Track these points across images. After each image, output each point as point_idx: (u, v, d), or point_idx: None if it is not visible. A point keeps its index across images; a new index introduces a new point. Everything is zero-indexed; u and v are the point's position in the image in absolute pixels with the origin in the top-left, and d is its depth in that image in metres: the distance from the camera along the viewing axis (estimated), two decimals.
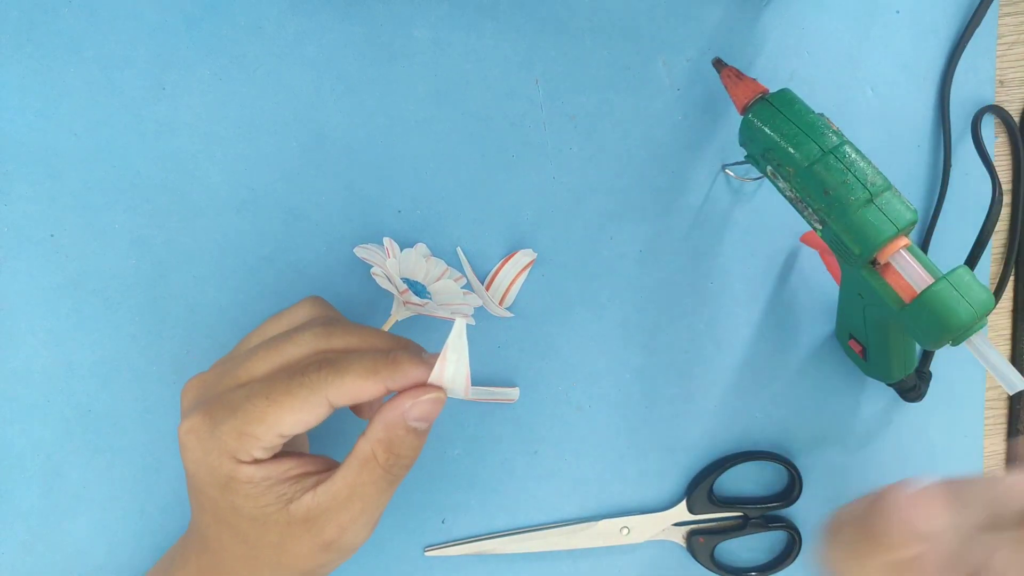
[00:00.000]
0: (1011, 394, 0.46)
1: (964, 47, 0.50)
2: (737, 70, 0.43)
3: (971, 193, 0.51)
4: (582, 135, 0.48)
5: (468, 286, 0.47)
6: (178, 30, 0.44)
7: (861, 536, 0.37)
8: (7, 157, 0.44)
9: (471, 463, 0.48)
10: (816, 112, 0.41)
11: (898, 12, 0.50)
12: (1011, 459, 0.53)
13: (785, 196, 0.42)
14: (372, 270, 0.44)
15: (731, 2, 0.48)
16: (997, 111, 0.50)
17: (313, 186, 0.46)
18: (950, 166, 0.50)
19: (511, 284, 0.47)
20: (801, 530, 0.50)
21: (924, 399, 0.50)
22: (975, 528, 0.34)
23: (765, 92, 0.42)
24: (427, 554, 0.48)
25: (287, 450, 0.34)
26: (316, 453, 0.37)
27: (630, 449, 0.49)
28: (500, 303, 0.47)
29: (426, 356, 0.34)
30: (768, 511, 0.50)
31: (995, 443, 0.53)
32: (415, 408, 0.33)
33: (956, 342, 0.38)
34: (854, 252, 0.39)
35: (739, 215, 0.49)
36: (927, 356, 0.51)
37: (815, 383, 0.51)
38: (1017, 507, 0.35)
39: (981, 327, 0.38)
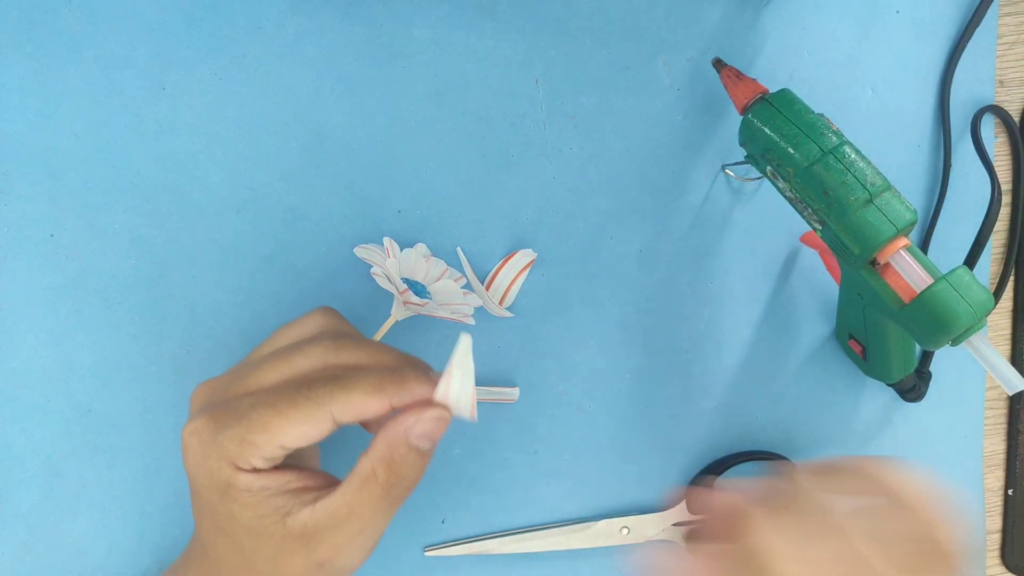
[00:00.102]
0: (1011, 394, 0.46)
1: (964, 47, 0.50)
2: (737, 70, 0.43)
3: (971, 193, 0.51)
4: (582, 135, 0.48)
5: (468, 286, 0.47)
6: (178, 30, 0.44)
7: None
8: (7, 157, 0.44)
9: (471, 463, 0.48)
10: (816, 112, 0.41)
11: (898, 12, 0.50)
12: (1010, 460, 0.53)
13: (785, 196, 0.42)
14: (372, 270, 0.44)
15: (731, 2, 0.48)
16: (997, 111, 0.50)
17: (313, 186, 0.46)
18: (950, 166, 0.50)
19: (511, 284, 0.47)
20: None
21: (924, 399, 0.50)
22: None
23: (765, 92, 0.42)
24: (427, 554, 0.48)
25: (293, 463, 0.34)
26: (327, 469, 0.36)
27: (630, 449, 0.49)
28: (500, 303, 0.47)
29: (433, 374, 0.33)
30: None
31: (995, 443, 0.53)
32: (418, 425, 0.32)
33: (956, 342, 0.38)
34: (854, 252, 0.39)
35: (739, 215, 0.49)
36: (927, 356, 0.51)
37: (815, 383, 0.51)
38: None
39: (981, 327, 0.38)
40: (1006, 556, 0.53)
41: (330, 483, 0.34)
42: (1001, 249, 0.52)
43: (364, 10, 0.46)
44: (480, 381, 0.48)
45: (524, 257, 0.47)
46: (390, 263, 0.44)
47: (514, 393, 0.48)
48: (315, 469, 0.36)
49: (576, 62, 0.47)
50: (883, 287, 0.40)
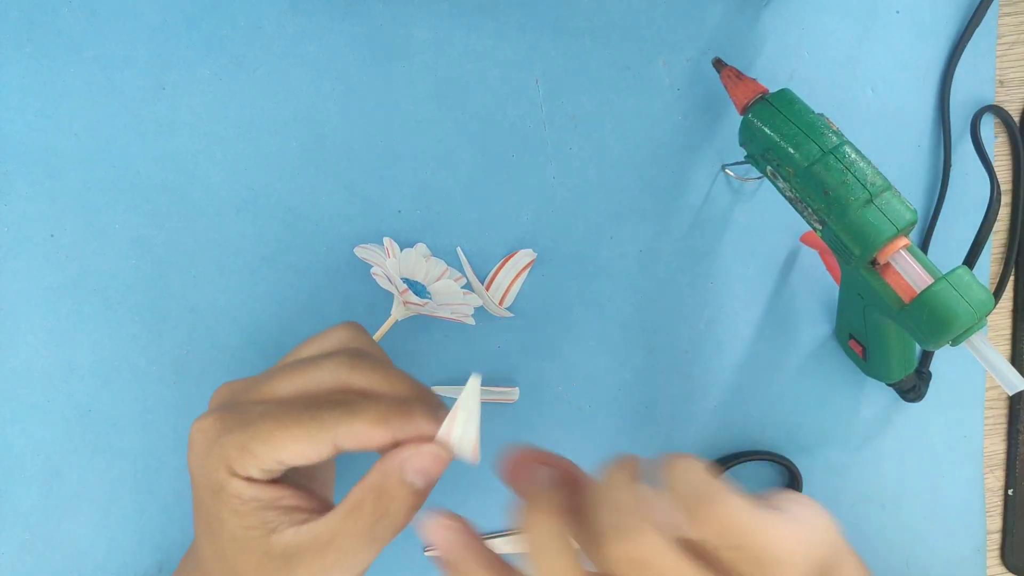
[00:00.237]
0: (1011, 394, 0.46)
1: (964, 47, 0.50)
2: (737, 70, 0.43)
3: (971, 193, 0.51)
4: (582, 135, 0.48)
5: (468, 286, 0.47)
6: (178, 30, 0.44)
7: None
8: (7, 157, 0.44)
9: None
10: (816, 112, 0.41)
11: (898, 12, 0.50)
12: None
13: (785, 196, 0.42)
14: (372, 270, 0.44)
15: (731, 2, 0.48)
16: (997, 111, 0.50)
17: (313, 186, 0.46)
18: (950, 166, 0.50)
19: (511, 284, 0.47)
20: None
21: (924, 399, 0.50)
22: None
23: (765, 92, 0.42)
24: (427, 554, 0.48)
25: (294, 481, 0.34)
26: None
27: (630, 449, 0.49)
28: (500, 303, 0.47)
29: (441, 412, 0.33)
30: None
31: (995, 443, 0.53)
32: (414, 459, 0.31)
33: (956, 342, 0.38)
34: (854, 252, 0.39)
35: (739, 215, 0.49)
36: (927, 356, 0.51)
37: (815, 383, 0.51)
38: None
39: (981, 327, 0.38)
40: (1006, 556, 0.53)
41: (325, 509, 0.33)
42: (1001, 249, 0.52)
43: (364, 10, 0.46)
44: (480, 381, 0.48)
45: (524, 257, 0.47)
46: (390, 263, 0.44)
47: (514, 393, 0.48)
48: (319, 491, 0.35)
49: (576, 62, 0.47)
50: (883, 287, 0.40)
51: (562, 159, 0.48)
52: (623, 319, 0.49)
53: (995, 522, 0.53)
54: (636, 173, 0.48)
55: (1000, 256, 0.52)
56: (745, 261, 0.49)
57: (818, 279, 0.50)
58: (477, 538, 0.32)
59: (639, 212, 0.48)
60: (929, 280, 0.38)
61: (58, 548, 0.45)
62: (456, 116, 0.47)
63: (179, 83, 0.45)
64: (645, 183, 0.48)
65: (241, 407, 0.33)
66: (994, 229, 0.51)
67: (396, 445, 0.32)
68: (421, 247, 0.46)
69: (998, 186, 0.48)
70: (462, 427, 0.31)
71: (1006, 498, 0.53)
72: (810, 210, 0.40)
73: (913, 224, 0.39)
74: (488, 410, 0.48)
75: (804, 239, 0.49)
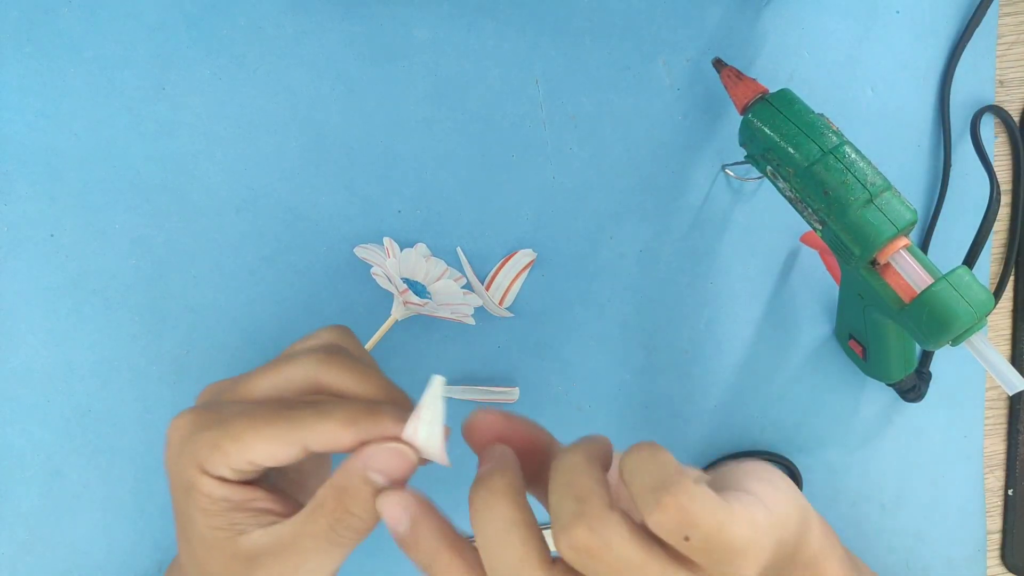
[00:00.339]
0: (1011, 394, 0.46)
1: (964, 47, 0.50)
2: (737, 70, 0.43)
3: (971, 193, 0.51)
4: (582, 135, 0.48)
5: (468, 286, 0.47)
6: (178, 30, 0.44)
7: None
8: (7, 157, 0.44)
9: (471, 463, 0.48)
10: (816, 112, 0.41)
11: (898, 12, 0.50)
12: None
13: (785, 196, 0.42)
14: (372, 270, 0.44)
15: (731, 2, 0.48)
16: (997, 111, 0.50)
17: (313, 186, 0.46)
18: (950, 166, 0.50)
19: (511, 284, 0.47)
20: None
21: (924, 399, 0.50)
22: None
23: (765, 92, 0.42)
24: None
25: (275, 485, 0.33)
26: None
27: None
28: (500, 303, 0.47)
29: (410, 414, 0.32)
30: None
31: (995, 443, 0.53)
32: (376, 456, 0.30)
33: (956, 342, 0.38)
34: (854, 252, 0.39)
35: (739, 215, 0.49)
36: (927, 356, 0.51)
37: (815, 383, 0.51)
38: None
39: (981, 327, 0.38)
40: (1006, 556, 0.53)
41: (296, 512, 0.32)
42: (1001, 249, 0.52)
43: (364, 10, 0.46)
44: (480, 381, 0.48)
45: (524, 257, 0.47)
46: (390, 263, 0.44)
47: (514, 393, 0.48)
48: (305, 497, 0.34)
49: (576, 62, 0.47)
50: (883, 287, 0.40)
51: (562, 159, 0.48)
52: (623, 319, 0.49)
53: (995, 522, 0.53)
54: (636, 173, 0.48)
55: (1000, 256, 0.52)
56: (745, 261, 0.49)
57: (818, 279, 0.50)
58: (435, 514, 0.31)
59: (639, 212, 0.48)
60: (929, 280, 0.38)
61: (58, 548, 0.45)
62: (456, 116, 0.47)
63: (179, 83, 0.45)
64: (645, 183, 0.48)
65: (218, 406, 0.32)
66: (994, 229, 0.51)
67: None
68: (421, 247, 0.46)
69: (998, 186, 0.48)
70: (427, 428, 0.30)
71: (1006, 498, 0.53)
72: (810, 210, 0.40)
73: (913, 224, 0.39)
74: None
75: (804, 239, 0.49)
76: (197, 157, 0.45)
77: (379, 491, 0.30)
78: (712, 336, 0.50)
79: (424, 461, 0.32)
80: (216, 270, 0.45)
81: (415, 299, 0.43)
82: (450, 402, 0.47)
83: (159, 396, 0.45)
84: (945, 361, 0.51)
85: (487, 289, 0.47)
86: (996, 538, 0.53)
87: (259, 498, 0.32)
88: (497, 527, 0.29)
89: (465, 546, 0.31)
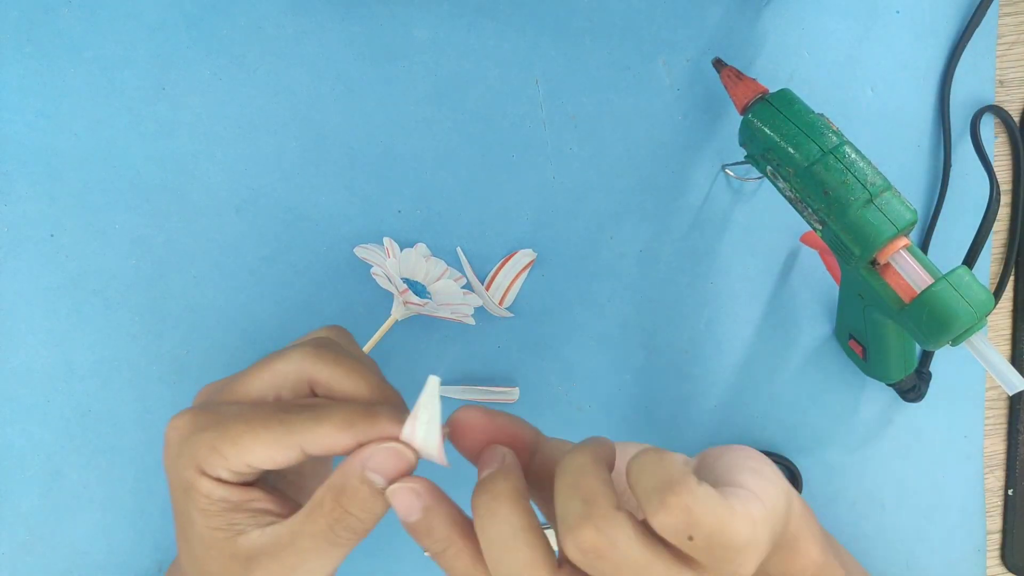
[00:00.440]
0: (1011, 394, 0.46)
1: (964, 47, 0.50)
2: (737, 70, 0.43)
3: (971, 193, 0.51)
4: (582, 135, 0.48)
5: (468, 286, 0.47)
6: (178, 30, 0.44)
7: None
8: (7, 157, 0.44)
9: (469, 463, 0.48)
10: (816, 112, 0.41)
11: (898, 12, 0.50)
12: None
13: (785, 196, 0.42)
14: (372, 270, 0.44)
15: (731, 2, 0.48)
16: (997, 111, 0.50)
17: (313, 186, 0.46)
18: (950, 166, 0.50)
19: (511, 284, 0.47)
20: None
21: (924, 399, 0.50)
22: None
23: (765, 92, 0.42)
24: (427, 554, 0.48)
25: (274, 485, 0.33)
26: None
27: None
28: (500, 303, 0.47)
29: (407, 415, 0.31)
30: None
31: (995, 443, 0.53)
32: (374, 456, 0.30)
33: (956, 342, 0.38)
34: (854, 252, 0.39)
35: (739, 215, 0.49)
36: (927, 356, 0.51)
37: (815, 383, 0.51)
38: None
39: (981, 327, 0.38)
40: (1006, 556, 0.53)
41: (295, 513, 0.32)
42: (1001, 249, 0.52)
43: (364, 10, 0.46)
44: (480, 381, 0.48)
45: (524, 257, 0.47)
46: (390, 263, 0.44)
47: (514, 393, 0.48)
48: (304, 498, 0.34)
49: (576, 62, 0.47)
50: (883, 287, 0.40)
51: (562, 159, 0.48)
52: (623, 319, 0.49)
53: (995, 522, 0.53)
54: (636, 173, 0.48)
55: (1000, 256, 0.52)
56: (745, 261, 0.49)
57: (818, 279, 0.50)
58: (446, 500, 0.31)
59: (639, 212, 0.48)
60: (929, 280, 0.38)
61: (58, 548, 0.45)
62: (456, 116, 0.47)
63: (179, 83, 0.45)
64: (645, 183, 0.48)
65: (215, 407, 0.32)
66: (994, 229, 0.51)
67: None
68: (421, 247, 0.46)
69: (998, 186, 0.48)
70: (424, 428, 0.30)
71: (1006, 498, 0.53)
72: (810, 210, 0.40)
73: (913, 224, 0.39)
74: None
75: (804, 239, 0.49)
76: (197, 157, 0.45)
77: (378, 491, 0.30)
78: (712, 336, 0.50)
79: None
80: (216, 270, 0.45)
81: (415, 299, 0.43)
82: (450, 402, 0.47)
83: (159, 396, 0.45)
84: (945, 361, 0.51)
85: (487, 289, 0.47)
86: (996, 538, 0.53)
87: (258, 499, 0.32)
88: (503, 532, 0.29)
89: (472, 528, 0.31)
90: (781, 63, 0.49)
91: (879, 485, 0.52)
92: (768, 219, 0.49)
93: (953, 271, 0.38)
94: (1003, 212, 0.51)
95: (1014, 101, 0.51)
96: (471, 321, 0.46)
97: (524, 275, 0.47)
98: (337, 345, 0.35)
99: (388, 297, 0.46)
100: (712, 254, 0.49)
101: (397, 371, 0.46)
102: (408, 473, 0.31)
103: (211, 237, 0.45)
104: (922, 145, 0.50)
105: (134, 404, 0.45)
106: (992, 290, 0.52)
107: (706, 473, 0.34)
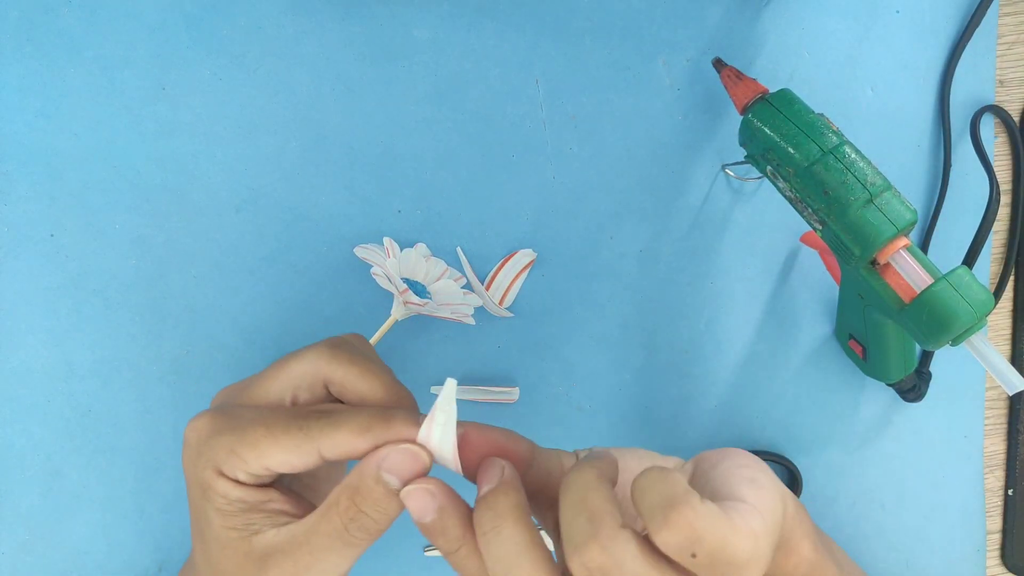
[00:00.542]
0: (1011, 394, 0.46)
1: (964, 47, 0.50)
2: (737, 70, 0.43)
3: (971, 193, 0.51)
4: (582, 135, 0.48)
5: (468, 286, 0.47)
6: (178, 30, 0.44)
7: None
8: (7, 157, 0.44)
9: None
10: (816, 112, 0.41)
11: (898, 12, 0.50)
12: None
13: (785, 196, 0.42)
14: (372, 270, 0.44)
15: (731, 2, 0.48)
16: (997, 111, 0.50)
17: (313, 186, 0.46)
18: (950, 166, 0.50)
19: (511, 284, 0.47)
20: None
21: (924, 399, 0.50)
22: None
23: (765, 92, 0.42)
24: (427, 554, 0.48)
25: (289, 485, 0.34)
26: None
27: None
28: (500, 303, 0.47)
29: (421, 419, 0.32)
30: None
31: (995, 443, 0.53)
32: (389, 457, 0.31)
33: (956, 342, 0.38)
34: (854, 252, 0.39)
35: (739, 215, 0.49)
36: (927, 356, 0.51)
37: (815, 383, 0.51)
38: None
39: (981, 327, 0.38)
40: (1006, 556, 0.53)
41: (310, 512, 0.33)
42: (1001, 249, 0.52)
43: (364, 10, 0.46)
44: (480, 381, 0.48)
45: (524, 257, 0.47)
46: (390, 263, 0.44)
47: (514, 393, 0.48)
48: (319, 499, 0.35)
49: (576, 62, 0.47)
50: (883, 287, 0.40)
51: (562, 159, 0.48)
52: (623, 319, 0.49)
53: (995, 522, 0.53)
54: (636, 173, 0.48)
55: (1000, 256, 0.52)
56: (745, 261, 0.49)
57: (818, 279, 0.50)
58: (459, 500, 0.31)
59: (639, 212, 0.48)
60: (929, 280, 0.38)
61: (58, 548, 0.45)
62: (456, 116, 0.47)
63: (179, 83, 0.45)
64: (645, 183, 0.48)
65: (233, 410, 0.33)
66: (994, 229, 0.51)
67: None
68: (421, 247, 0.46)
69: (997, 186, 0.48)
70: (440, 431, 0.31)
71: (1006, 498, 0.53)
72: (810, 210, 0.40)
73: (913, 224, 0.39)
74: (488, 410, 0.48)
75: (804, 239, 0.49)
76: (197, 157, 0.45)
77: (392, 492, 0.31)
78: (712, 336, 0.50)
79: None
80: (216, 270, 0.45)
81: (415, 299, 0.43)
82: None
83: (159, 396, 0.45)
84: (945, 361, 0.51)
85: (487, 289, 0.47)
86: (996, 538, 0.53)
87: (274, 499, 0.32)
88: (508, 551, 0.29)
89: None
90: (781, 63, 0.49)
91: (879, 485, 0.52)
92: (768, 219, 0.49)
93: (953, 271, 0.38)
94: (1003, 212, 0.51)
95: (1014, 101, 0.51)
96: (471, 321, 0.46)
97: (524, 275, 0.47)
98: (351, 346, 0.35)
99: (388, 297, 0.46)
100: (712, 254, 0.49)
101: (397, 371, 0.46)
102: (423, 474, 0.31)
103: (211, 237, 0.45)
104: (922, 145, 0.50)
105: (134, 404, 0.45)
106: (992, 290, 0.52)
107: (703, 483, 0.34)
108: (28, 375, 0.45)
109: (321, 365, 0.33)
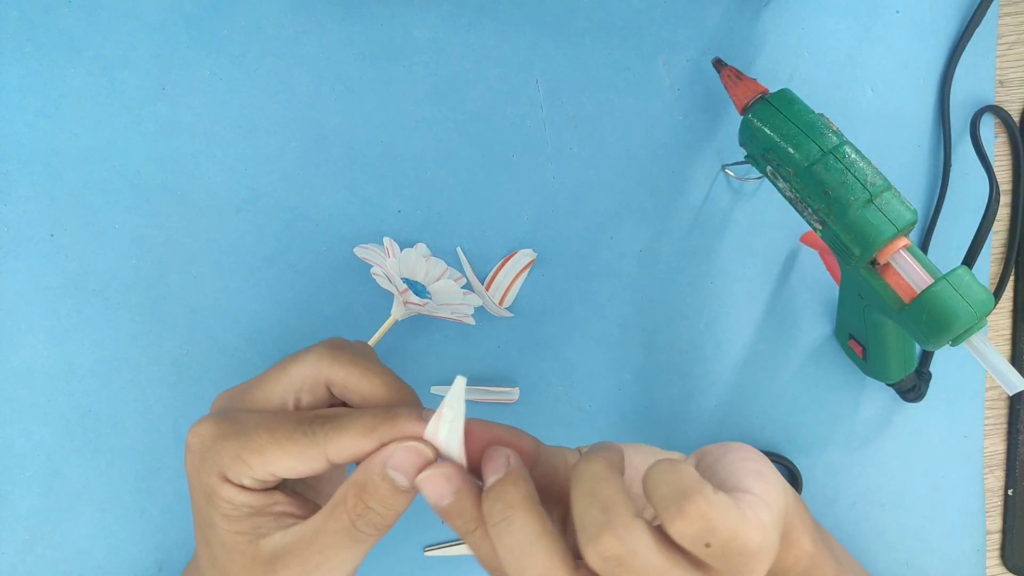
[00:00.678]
0: (1011, 394, 0.46)
1: (964, 47, 0.50)
2: (737, 70, 0.43)
3: (971, 193, 0.51)
4: (582, 135, 0.48)
5: (468, 286, 0.47)
6: (178, 30, 0.44)
7: None
8: (7, 157, 0.44)
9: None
10: (816, 112, 0.41)
11: (898, 12, 0.50)
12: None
13: (785, 196, 0.42)
14: (372, 270, 0.44)
15: (731, 2, 0.48)
16: (997, 111, 0.50)
17: (313, 186, 0.46)
18: (950, 166, 0.50)
19: (511, 284, 0.47)
20: None
21: (924, 399, 0.50)
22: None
23: (765, 92, 0.42)
24: (427, 554, 0.48)
25: (293, 488, 0.34)
26: None
27: None
28: (500, 303, 0.47)
29: (424, 414, 0.32)
30: None
31: (995, 443, 0.53)
32: (396, 454, 0.31)
33: (956, 342, 0.38)
34: (854, 252, 0.39)
35: (739, 215, 0.49)
36: (927, 356, 0.51)
37: (815, 383, 0.51)
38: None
39: (981, 327, 0.38)
40: (1006, 556, 0.53)
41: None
42: (1001, 249, 0.52)
43: (364, 10, 0.46)
44: (480, 381, 0.48)
45: (524, 257, 0.47)
46: (390, 263, 0.44)
47: (514, 393, 0.48)
48: (323, 500, 0.35)
49: (576, 62, 0.47)
50: (883, 287, 0.40)
51: (562, 159, 0.48)
52: (623, 319, 0.49)
53: (995, 522, 0.53)
54: (636, 173, 0.48)
55: (1000, 256, 0.52)
56: (745, 261, 0.49)
57: (818, 279, 0.50)
58: (472, 482, 0.31)
59: (639, 212, 0.48)
60: (929, 280, 0.38)
61: (58, 548, 0.45)
62: (456, 116, 0.47)
63: (179, 83, 0.45)
64: (645, 183, 0.48)
65: (237, 415, 0.33)
66: (994, 229, 0.51)
67: None
68: (421, 247, 0.46)
69: (997, 186, 0.48)
70: (448, 428, 0.31)
71: (1006, 498, 0.53)
72: (810, 210, 0.40)
73: (913, 224, 0.39)
74: (488, 410, 0.48)
75: (804, 239, 0.49)
76: (197, 157, 0.45)
77: (399, 488, 0.31)
78: (712, 336, 0.50)
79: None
80: (216, 270, 0.45)
81: (415, 299, 0.43)
82: None
83: (159, 396, 0.45)
84: (945, 361, 0.51)
85: (487, 289, 0.47)
86: (996, 538, 0.53)
87: (279, 502, 0.32)
88: (520, 540, 0.29)
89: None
90: (781, 63, 0.49)
91: (879, 485, 0.52)
92: (768, 219, 0.49)
93: (953, 271, 0.38)
94: (1003, 212, 0.51)
95: (1014, 101, 0.51)
96: (471, 321, 0.46)
97: (524, 275, 0.47)
98: (351, 346, 0.35)
99: (388, 297, 0.46)
100: (712, 254, 0.49)
101: (397, 371, 0.46)
102: (423, 467, 0.31)
103: (211, 237, 0.45)
104: (922, 145, 0.50)
105: (134, 404, 0.45)
106: (992, 290, 0.52)
107: (708, 476, 0.34)
108: (28, 375, 0.45)
109: (322, 367, 0.33)
